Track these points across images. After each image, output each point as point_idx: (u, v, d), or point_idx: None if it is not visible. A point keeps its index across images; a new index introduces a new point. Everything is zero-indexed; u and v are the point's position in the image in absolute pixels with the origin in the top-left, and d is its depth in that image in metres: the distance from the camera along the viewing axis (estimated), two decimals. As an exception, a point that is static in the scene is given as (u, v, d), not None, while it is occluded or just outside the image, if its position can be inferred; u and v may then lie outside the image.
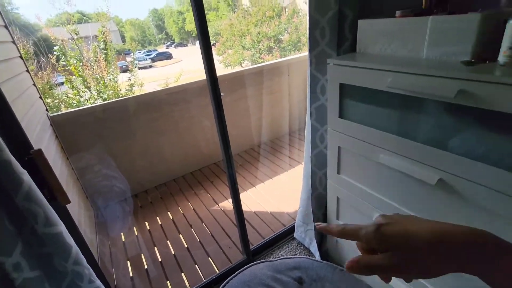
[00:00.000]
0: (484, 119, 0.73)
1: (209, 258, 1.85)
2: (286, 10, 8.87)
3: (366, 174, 1.13)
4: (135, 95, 2.77)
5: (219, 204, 2.38)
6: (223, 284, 1.38)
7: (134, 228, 2.24)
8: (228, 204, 2.38)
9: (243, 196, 2.44)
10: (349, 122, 1.12)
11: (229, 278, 1.50)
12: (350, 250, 1.39)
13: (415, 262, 0.29)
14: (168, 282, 1.73)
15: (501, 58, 0.71)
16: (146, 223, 2.27)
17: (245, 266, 1.54)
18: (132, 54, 6.07)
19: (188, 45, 19.21)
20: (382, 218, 0.33)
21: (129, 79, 4.53)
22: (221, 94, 1.25)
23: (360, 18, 1.10)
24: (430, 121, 0.86)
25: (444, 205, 0.88)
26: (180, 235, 2.10)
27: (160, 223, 2.26)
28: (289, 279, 1.43)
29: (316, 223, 0.39)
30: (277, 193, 2.44)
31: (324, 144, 1.39)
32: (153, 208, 2.44)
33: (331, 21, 1.16)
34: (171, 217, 2.30)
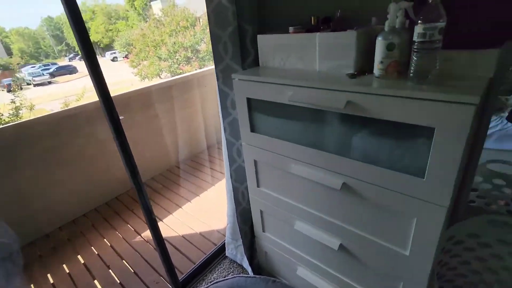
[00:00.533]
0: (371, 126, 0.81)
1: (133, 300, 1.63)
2: (201, 20, 8.84)
3: (282, 184, 1.15)
4: (20, 121, 2.29)
5: (142, 235, 2.14)
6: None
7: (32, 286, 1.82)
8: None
9: (168, 220, 2.26)
10: (260, 135, 1.11)
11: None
12: (280, 260, 1.40)
13: None
14: None
15: (376, 71, 0.79)
16: (49, 275, 1.87)
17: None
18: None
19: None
20: None
21: (13, 101, 3.73)
22: (120, 117, 1.10)
23: (260, 33, 1.12)
24: (330, 131, 0.91)
25: (350, 205, 0.94)
26: (96, 281, 1.79)
27: (68, 271, 1.89)
28: (222, 304, 1.35)
29: None
30: (204, 211, 2.34)
31: (242, 158, 1.37)
32: (57, 255, 2.03)
33: (232, 36, 1.15)
34: (83, 261, 1.95)
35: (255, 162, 1.21)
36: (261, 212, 1.34)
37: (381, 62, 0.76)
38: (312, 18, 1.09)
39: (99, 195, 2.54)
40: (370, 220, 0.91)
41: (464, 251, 1.11)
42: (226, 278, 1.48)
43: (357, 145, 0.86)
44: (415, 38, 0.67)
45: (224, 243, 1.76)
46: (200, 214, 2.30)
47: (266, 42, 1.09)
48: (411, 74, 0.70)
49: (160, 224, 2.22)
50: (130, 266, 1.87)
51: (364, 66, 0.87)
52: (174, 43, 8.37)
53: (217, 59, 1.18)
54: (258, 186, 1.27)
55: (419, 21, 0.65)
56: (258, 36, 1.10)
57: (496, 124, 2.09)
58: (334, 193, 0.96)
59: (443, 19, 0.64)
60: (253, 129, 1.14)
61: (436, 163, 0.69)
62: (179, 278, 1.58)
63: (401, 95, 0.68)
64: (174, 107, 2.94)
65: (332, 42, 0.89)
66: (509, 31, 0.71)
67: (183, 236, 2.06)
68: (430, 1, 0.64)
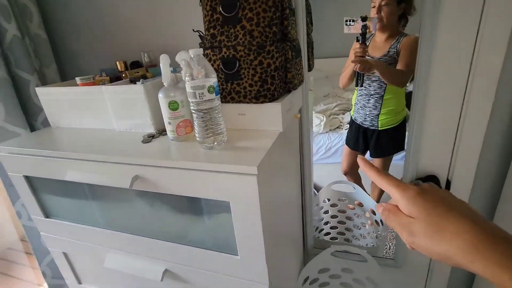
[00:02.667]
0: (175, 202, 0.65)
1: None
2: None
3: (105, 278, 0.87)
4: None
5: None
6: None
7: None
8: None
9: None
10: (60, 222, 0.81)
11: None
12: None
13: (435, 243, 0.28)
14: None
15: (168, 133, 0.65)
16: None
17: None
18: None
19: None
20: (424, 187, 0.33)
21: None
22: None
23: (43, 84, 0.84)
24: (139, 210, 0.71)
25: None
26: None
27: None
28: None
29: (358, 157, 0.36)
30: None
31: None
32: None
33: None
34: None
35: (66, 255, 0.88)
36: (95, 312, 1.00)
37: (169, 123, 0.62)
38: (118, 63, 0.90)
39: None
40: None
41: (320, 287, 1.10)
42: None
43: (166, 224, 0.68)
44: (188, 99, 0.55)
45: None
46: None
47: (48, 96, 0.82)
48: (197, 139, 0.58)
49: None
50: None
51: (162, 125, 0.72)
52: None
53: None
54: (79, 282, 0.94)
55: (186, 78, 0.54)
56: (36, 89, 0.82)
57: (338, 141, 2.37)
58: (159, 283, 0.75)
59: (214, 74, 0.55)
60: (47, 214, 0.83)
61: (242, 238, 0.58)
62: None
63: (176, 167, 0.55)
64: None
65: (121, 97, 0.71)
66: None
67: None
68: (192, 56, 0.53)
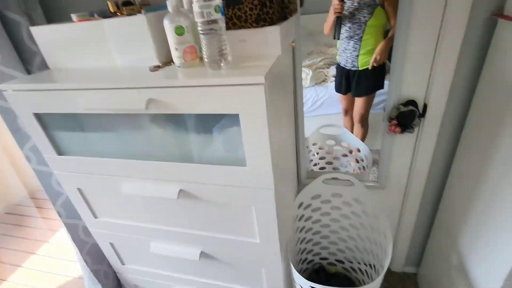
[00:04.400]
0: (185, 123, 0.71)
1: None
2: None
3: (122, 208, 0.95)
4: None
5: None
6: None
7: None
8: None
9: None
10: (73, 157, 0.87)
11: None
12: (152, 285, 1.21)
13: None
14: None
15: (175, 60, 0.69)
16: None
17: None
18: None
19: None
20: None
21: None
22: None
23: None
24: (150, 136, 0.77)
25: (194, 211, 0.85)
26: None
27: None
28: None
29: None
30: (49, 266, 1.84)
31: (67, 189, 1.07)
32: None
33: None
34: None
35: (80, 190, 0.95)
36: (112, 244, 1.10)
37: (176, 49, 0.67)
38: (109, 3, 0.89)
39: None
40: (218, 220, 0.85)
41: (313, 212, 1.24)
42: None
43: (179, 146, 0.75)
44: (196, 19, 0.59)
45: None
46: (44, 272, 1.79)
47: (45, 36, 0.82)
48: (205, 60, 0.63)
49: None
50: None
51: (167, 56, 0.75)
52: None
53: (-22, 67, 0.83)
54: (96, 217, 1.02)
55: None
56: (31, 28, 0.82)
57: (324, 94, 2.46)
58: (175, 202, 0.84)
59: (219, -4, 0.58)
60: (59, 151, 0.87)
61: (251, 149, 0.67)
62: None
63: (189, 85, 0.61)
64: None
65: (123, 30, 0.74)
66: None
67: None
68: (198, -25, 0.56)
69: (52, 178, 1.04)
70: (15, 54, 0.89)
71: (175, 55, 0.67)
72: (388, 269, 1.44)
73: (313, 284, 0.84)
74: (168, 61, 0.75)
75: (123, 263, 1.16)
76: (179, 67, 0.69)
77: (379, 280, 0.87)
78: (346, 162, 1.64)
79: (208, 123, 0.69)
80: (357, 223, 1.20)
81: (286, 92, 0.89)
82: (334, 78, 2.16)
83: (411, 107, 0.93)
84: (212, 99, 0.62)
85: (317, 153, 1.63)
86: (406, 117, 0.95)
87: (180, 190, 0.80)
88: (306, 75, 2.57)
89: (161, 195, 0.81)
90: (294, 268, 0.91)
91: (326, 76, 2.65)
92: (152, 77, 0.67)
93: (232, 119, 0.64)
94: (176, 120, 0.71)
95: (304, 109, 2.62)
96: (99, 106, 0.69)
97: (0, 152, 2.12)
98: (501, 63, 0.76)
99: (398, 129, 0.96)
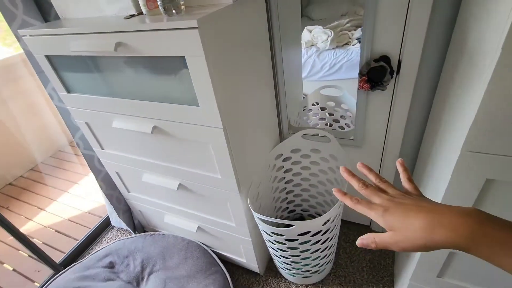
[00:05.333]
0: (147, 65, 0.83)
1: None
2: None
3: (119, 142, 1.14)
4: None
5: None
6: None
7: None
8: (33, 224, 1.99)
9: (51, 211, 2.09)
10: (77, 95, 1.05)
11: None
12: (151, 214, 1.45)
13: (412, 241, 0.32)
14: None
15: (142, 9, 0.79)
16: None
17: (47, 282, 1.36)
18: None
19: None
20: (388, 202, 0.36)
21: None
22: None
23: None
24: (126, 77, 0.91)
25: (167, 146, 1.00)
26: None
27: None
28: (99, 269, 1.37)
29: (334, 189, 0.42)
30: (83, 197, 2.22)
31: (82, 124, 1.30)
32: None
33: (12, -15, 0.99)
34: None
35: (87, 124, 1.16)
36: (118, 173, 1.33)
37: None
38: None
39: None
40: (187, 156, 0.99)
41: (293, 165, 1.32)
42: (105, 246, 1.49)
43: (147, 86, 0.88)
44: (148, -32, 0.68)
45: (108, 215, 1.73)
46: (82, 200, 2.18)
47: (53, -11, 0.98)
48: (160, 8, 0.72)
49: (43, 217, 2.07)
50: (8, 265, 1.72)
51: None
52: None
53: (8, 16, 1.02)
54: (102, 148, 1.24)
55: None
56: (42, -18, 0.97)
57: (343, 57, 2.37)
58: (155, 139, 1.00)
59: None
60: (68, 90, 1.07)
61: (200, 90, 0.76)
62: (59, 260, 1.53)
63: (137, 29, 0.71)
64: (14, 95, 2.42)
65: (105, -18, 0.85)
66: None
67: (69, 220, 1.96)
68: None
69: (70, 114, 1.27)
70: (35, 6, 1.07)
71: (141, 3, 0.77)
72: (369, 228, 1.50)
73: (259, 215, 0.95)
74: (141, 12, 0.86)
75: (128, 191, 1.40)
76: (145, 15, 0.80)
77: (332, 210, 0.95)
78: (345, 124, 1.64)
79: (167, 65, 0.79)
80: (333, 178, 1.26)
81: (254, 47, 0.94)
82: (358, 41, 2.05)
83: (381, 63, 0.92)
84: (162, 43, 0.72)
85: (316, 114, 1.65)
86: (377, 73, 0.94)
87: (154, 127, 0.94)
88: (328, 37, 2.47)
89: (141, 129, 0.96)
90: (252, 203, 1.03)
91: (350, 38, 2.51)
92: (123, 23, 0.79)
93: (183, 62, 0.74)
94: (143, 63, 0.83)
95: (321, 73, 2.56)
96: (84, 49, 0.84)
97: (44, 105, 2.54)
98: (475, 13, 0.71)
99: (367, 85, 0.96)
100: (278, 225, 1.11)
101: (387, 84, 0.96)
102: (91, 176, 2.36)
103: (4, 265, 1.75)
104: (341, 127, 1.64)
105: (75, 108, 1.11)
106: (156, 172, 1.14)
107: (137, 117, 0.96)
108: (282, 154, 1.27)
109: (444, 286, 0.90)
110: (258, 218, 0.97)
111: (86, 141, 1.31)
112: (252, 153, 1.05)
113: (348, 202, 0.39)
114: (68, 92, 1.07)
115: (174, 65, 0.77)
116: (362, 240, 0.36)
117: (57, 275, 1.35)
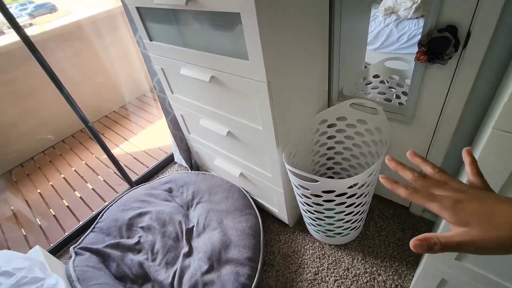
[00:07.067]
0: (212, 20, 0.94)
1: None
2: None
3: (185, 87, 1.34)
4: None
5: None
6: (103, 211, 1.58)
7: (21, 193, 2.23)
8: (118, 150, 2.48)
9: (131, 143, 2.55)
10: (157, 43, 1.25)
11: (107, 204, 1.69)
12: (205, 156, 1.68)
13: (497, 240, 0.26)
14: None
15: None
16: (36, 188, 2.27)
17: (124, 192, 1.75)
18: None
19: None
20: (458, 193, 0.30)
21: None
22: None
23: None
24: (192, 30, 1.05)
25: (221, 95, 1.14)
26: (76, 192, 2.18)
27: (50, 183, 2.28)
28: (161, 191, 1.70)
29: (380, 176, 0.35)
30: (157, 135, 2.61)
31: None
32: (40, 173, 2.41)
33: None
34: (63, 176, 2.33)
35: (163, 70, 1.37)
36: (182, 116, 1.56)
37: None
38: None
39: (73, 123, 2.81)
40: (237, 106, 1.12)
41: (337, 132, 1.35)
42: (168, 175, 1.81)
43: (208, 39, 1.00)
44: None
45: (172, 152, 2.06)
46: (155, 137, 2.57)
47: None
48: (225, -35, 0.81)
49: (120, 148, 2.54)
50: (101, 177, 2.24)
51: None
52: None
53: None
54: (172, 92, 1.46)
55: None
56: None
57: (410, 28, 2.13)
58: (209, 86, 1.14)
59: None
60: (150, 38, 1.27)
61: (250, 44, 0.85)
62: (134, 179, 1.93)
63: None
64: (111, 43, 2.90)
65: None
66: None
67: (144, 151, 2.38)
68: None
69: (151, 60, 1.50)
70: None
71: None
72: (407, 210, 1.46)
73: (290, 167, 1.05)
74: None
75: (189, 133, 1.64)
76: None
77: (360, 175, 1.00)
78: (405, 102, 1.54)
79: (226, 21, 0.90)
80: (374, 151, 1.26)
81: (310, 9, 0.96)
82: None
83: (446, 34, 0.85)
84: (224, -1, 0.81)
85: (377, 87, 1.58)
86: (438, 44, 0.88)
87: (212, 76, 1.08)
88: (412, 4, 2.20)
89: (201, 77, 1.12)
90: (286, 158, 1.12)
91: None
92: (195, -20, 0.90)
93: (239, 18, 0.83)
94: (208, 19, 0.95)
95: (396, 45, 2.36)
96: (163, 2, 0.99)
97: (134, 53, 2.96)
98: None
99: (424, 57, 0.91)
100: (308, 180, 1.20)
101: (449, 58, 0.89)
102: (163, 119, 2.78)
103: (98, 176, 2.27)
104: (401, 104, 1.55)
105: (154, 55, 1.33)
106: (211, 118, 1.32)
107: (199, 66, 1.11)
108: (327, 120, 1.31)
109: (462, 269, 0.89)
110: (289, 169, 1.07)
111: (161, 85, 1.55)
112: (295, 113, 1.13)
113: (402, 192, 0.32)
114: (151, 40, 1.27)
115: (232, 21, 0.87)
116: (419, 242, 0.28)
117: (132, 188, 1.73)
